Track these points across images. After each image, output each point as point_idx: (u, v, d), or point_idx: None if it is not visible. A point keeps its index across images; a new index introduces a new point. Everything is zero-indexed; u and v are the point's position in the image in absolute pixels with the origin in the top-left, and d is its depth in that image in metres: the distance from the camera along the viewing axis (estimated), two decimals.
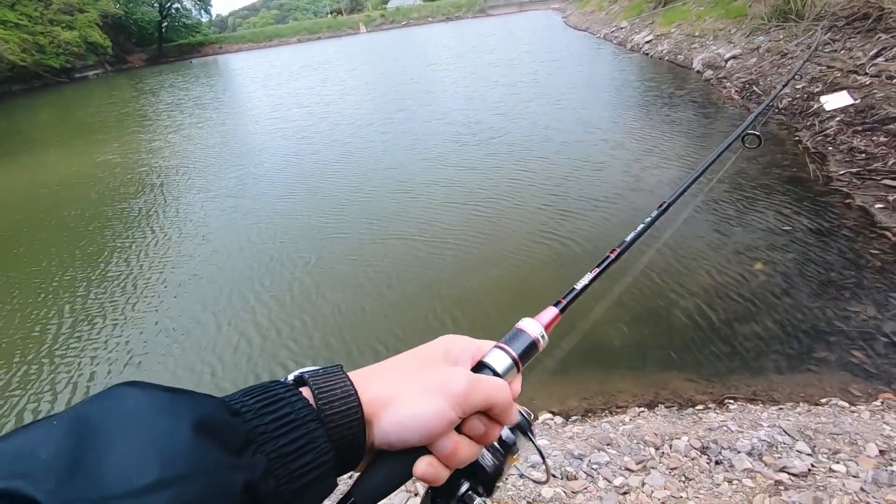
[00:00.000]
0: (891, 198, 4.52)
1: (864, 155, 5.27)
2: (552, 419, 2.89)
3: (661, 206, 0.94)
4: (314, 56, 27.30)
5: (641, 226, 0.80)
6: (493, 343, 0.51)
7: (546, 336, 0.52)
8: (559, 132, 8.21)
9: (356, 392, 0.44)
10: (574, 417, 2.91)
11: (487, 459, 0.50)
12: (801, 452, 2.14)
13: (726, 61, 9.64)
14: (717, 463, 2.14)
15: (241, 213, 6.82)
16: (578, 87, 11.21)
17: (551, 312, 0.55)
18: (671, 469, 2.13)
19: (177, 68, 32.35)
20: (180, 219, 6.92)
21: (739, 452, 2.16)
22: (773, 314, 3.60)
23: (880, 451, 2.10)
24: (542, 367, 3.38)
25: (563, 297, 0.58)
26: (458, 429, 0.47)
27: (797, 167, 5.69)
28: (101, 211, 7.48)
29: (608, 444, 2.38)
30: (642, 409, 2.92)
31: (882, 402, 2.71)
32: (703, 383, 3.15)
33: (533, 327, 0.51)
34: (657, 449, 2.30)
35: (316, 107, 13.54)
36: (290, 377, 0.47)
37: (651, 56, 13.19)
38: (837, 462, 2.05)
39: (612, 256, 0.69)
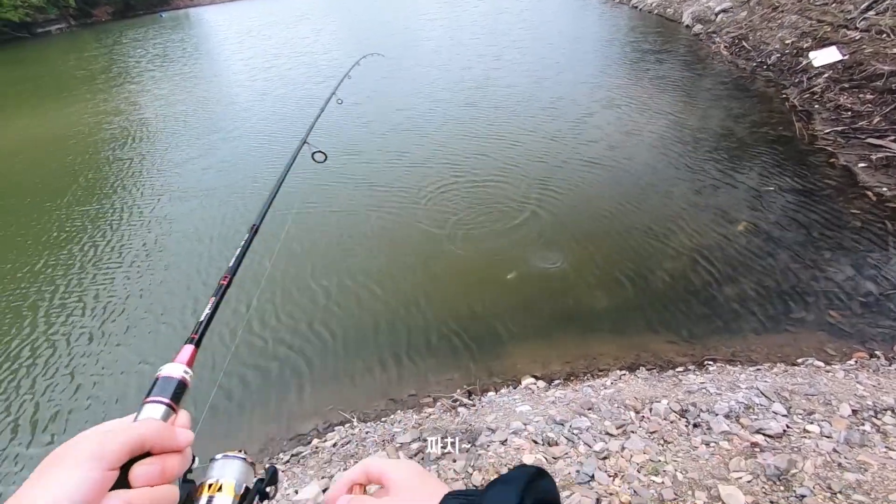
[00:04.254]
0: (874, 157, 4.51)
1: (850, 113, 5.22)
2: (535, 384, 2.91)
3: (252, 227, 1.07)
4: (297, 8, 25.96)
5: (238, 250, 0.92)
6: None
7: (190, 371, 0.56)
8: (555, 80, 8.01)
9: None
10: (556, 381, 2.93)
11: None
12: (776, 414, 2.18)
13: (716, 15, 9.39)
14: (695, 426, 2.17)
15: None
16: (565, 48, 10.86)
17: (188, 350, 0.60)
18: (650, 433, 2.15)
19: (147, 23, 30.41)
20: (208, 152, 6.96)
21: (717, 415, 2.20)
22: (754, 275, 3.63)
23: (853, 411, 2.15)
24: (526, 332, 3.39)
25: (195, 333, 0.64)
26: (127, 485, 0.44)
27: (783, 125, 5.63)
28: (115, 155, 7.18)
29: (589, 409, 2.39)
30: (624, 371, 2.94)
31: (856, 361, 2.76)
32: (683, 345, 3.18)
33: (175, 370, 0.55)
34: (637, 413, 2.32)
35: (317, 55, 13.07)
36: None
37: (640, 9, 12.79)
38: (812, 423, 2.09)
39: (225, 284, 0.80)
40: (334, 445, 2.56)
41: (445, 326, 3.48)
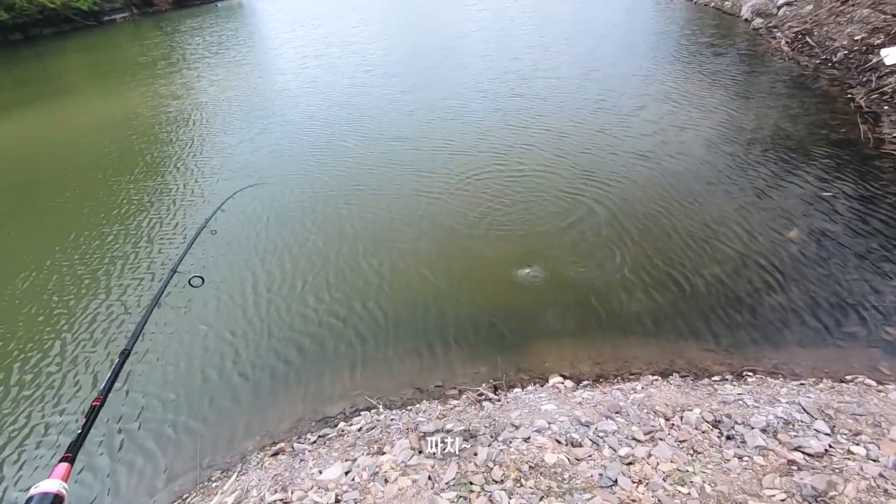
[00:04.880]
0: None
1: None
2: (562, 383, 2.86)
3: (123, 352, 1.08)
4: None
5: (109, 374, 0.92)
6: None
7: (66, 485, 0.61)
8: (603, 75, 7.83)
9: None
10: (585, 382, 2.87)
11: None
12: (818, 432, 2.06)
13: (779, 8, 8.88)
14: (728, 438, 2.08)
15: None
16: (617, 40, 10.55)
17: (63, 467, 0.64)
18: (680, 442, 2.08)
19: (203, 12, 31.60)
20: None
21: (753, 428, 2.10)
22: (803, 285, 3.43)
23: None
24: (557, 329, 3.33)
25: (69, 452, 0.69)
26: None
27: (847, 128, 5.28)
28: (201, 124, 7.55)
29: (617, 413, 2.34)
30: (656, 377, 2.85)
31: None
32: (721, 353, 3.05)
33: (51, 485, 0.60)
34: (667, 420, 2.25)
35: (362, 44, 13.27)
36: None
37: (695, 2, 12.25)
38: (857, 444, 1.97)
39: (98, 405, 0.82)
40: (359, 430, 2.60)
41: (475, 320, 3.47)
